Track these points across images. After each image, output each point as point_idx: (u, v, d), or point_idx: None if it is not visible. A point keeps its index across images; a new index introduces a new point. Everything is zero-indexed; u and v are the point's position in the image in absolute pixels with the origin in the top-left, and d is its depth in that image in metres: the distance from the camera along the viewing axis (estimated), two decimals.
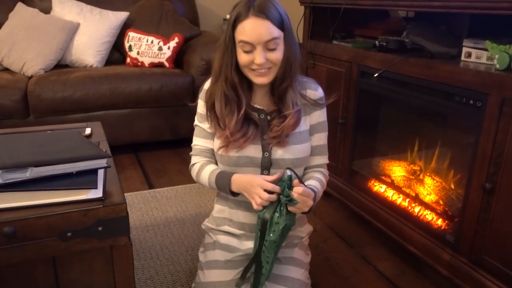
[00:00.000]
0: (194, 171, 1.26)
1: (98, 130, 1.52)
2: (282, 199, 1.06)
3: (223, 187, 1.17)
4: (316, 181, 1.22)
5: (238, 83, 1.15)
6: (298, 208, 1.07)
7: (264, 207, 1.09)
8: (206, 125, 1.24)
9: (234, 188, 1.15)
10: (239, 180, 1.14)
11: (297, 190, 1.05)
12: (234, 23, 1.08)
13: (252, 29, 1.06)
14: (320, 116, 1.25)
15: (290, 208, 1.07)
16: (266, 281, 1.21)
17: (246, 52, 1.09)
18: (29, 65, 2.52)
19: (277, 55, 1.10)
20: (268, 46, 1.08)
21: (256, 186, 1.09)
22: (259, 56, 1.08)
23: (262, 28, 1.06)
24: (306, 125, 1.23)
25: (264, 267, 1.16)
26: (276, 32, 1.08)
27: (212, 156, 1.26)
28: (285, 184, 1.06)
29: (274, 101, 1.20)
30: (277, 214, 1.08)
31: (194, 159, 1.27)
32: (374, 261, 1.69)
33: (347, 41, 1.90)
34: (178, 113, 2.67)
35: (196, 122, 1.27)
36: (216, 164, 1.25)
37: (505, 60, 1.23)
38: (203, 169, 1.23)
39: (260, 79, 1.13)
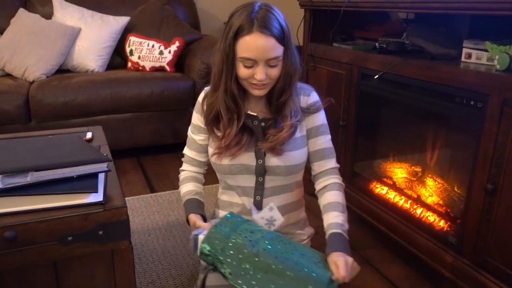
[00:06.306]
0: (180, 178, 1.33)
1: (99, 134, 1.52)
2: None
3: (185, 213, 1.23)
4: (337, 211, 1.24)
5: (238, 94, 1.13)
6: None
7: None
8: (198, 137, 1.25)
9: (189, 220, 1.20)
10: (192, 220, 1.17)
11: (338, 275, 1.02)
12: (236, 35, 1.05)
13: (256, 46, 1.03)
14: (316, 119, 1.21)
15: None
16: None
17: (246, 67, 1.07)
18: (31, 71, 2.53)
19: (277, 72, 1.10)
20: (269, 63, 1.07)
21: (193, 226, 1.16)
22: (260, 73, 1.06)
23: (267, 46, 1.03)
24: (302, 130, 1.20)
25: None
26: (280, 50, 1.07)
27: (199, 166, 1.30)
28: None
29: (270, 110, 1.17)
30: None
31: (183, 166, 1.33)
32: (376, 263, 1.68)
33: (348, 43, 1.90)
34: (179, 117, 2.67)
35: (189, 132, 1.29)
36: (203, 174, 1.32)
37: (506, 60, 1.23)
38: (183, 183, 1.29)
39: (257, 92, 1.12)
